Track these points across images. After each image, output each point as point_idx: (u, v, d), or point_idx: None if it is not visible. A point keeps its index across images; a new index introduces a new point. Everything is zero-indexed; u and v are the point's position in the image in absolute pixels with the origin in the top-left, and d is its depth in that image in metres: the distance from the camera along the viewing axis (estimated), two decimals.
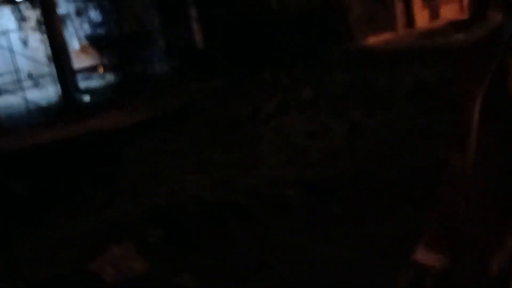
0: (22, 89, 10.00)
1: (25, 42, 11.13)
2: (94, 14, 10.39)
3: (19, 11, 10.58)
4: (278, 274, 2.68)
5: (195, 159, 5.07)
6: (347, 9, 9.10)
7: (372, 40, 10.93)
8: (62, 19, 10.29)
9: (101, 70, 11.50)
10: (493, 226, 0.74)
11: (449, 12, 13.25)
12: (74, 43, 12.49)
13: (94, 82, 11.30)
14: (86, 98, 9.98)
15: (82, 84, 11.15)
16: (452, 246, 0.87)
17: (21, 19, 10.58)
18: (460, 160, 0.81)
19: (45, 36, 9.77)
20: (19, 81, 10.24)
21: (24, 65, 10.84)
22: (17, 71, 10.03)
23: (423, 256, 0.94)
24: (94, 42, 10.52)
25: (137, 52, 8.99)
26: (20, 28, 10.99)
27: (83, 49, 12.70)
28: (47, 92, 10.40)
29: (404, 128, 5.09)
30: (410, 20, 12.29)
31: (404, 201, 3.27)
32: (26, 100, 9.36)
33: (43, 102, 9.69)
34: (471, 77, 0.79)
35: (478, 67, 0.78)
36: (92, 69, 12.29)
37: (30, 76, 11.87)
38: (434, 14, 12.97)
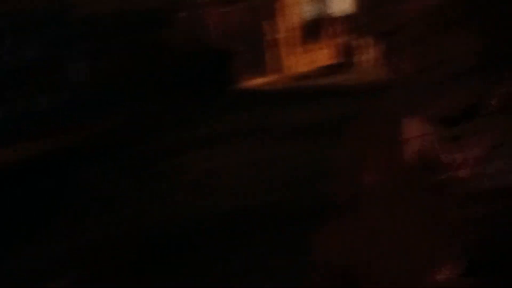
0: None
1: None
2: None
3: None
4: None
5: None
6: (236, 53, 9.76)
7: (258, 81, 11.54)
8: None
9: None
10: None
11: (323, 57, 14.53)
12: None
13: None
14: None
15: None
16: None
17: None
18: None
19: None
20: None
21: None
22: None
23: None
24: None
25: (23, 87, 8.35)
26: None
27: None
28: None
29: (299, 162, 5.37)
30: (283, 65, 13.19)
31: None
32: None
33: None
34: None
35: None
36: None
37: None
38: (305, 59, 14.10)
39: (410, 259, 0.78)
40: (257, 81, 11.99)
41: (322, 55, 14.79)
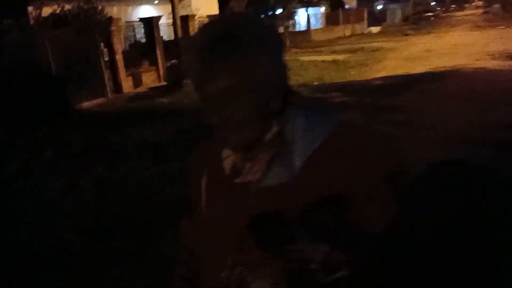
0: None
1: None
2: None
3: None
4: None
5: None
6: (73, 75, 10.03)
7: (89, 104, 11.87)
8: None
9: None
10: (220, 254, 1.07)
11: (149, 80, 15.41)
12: None
13: None
14: None
15: None
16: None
17: None
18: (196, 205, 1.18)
19: None
20: None
21: None
22: None
23: None
24: None
25: None
26: None
27: None
28: None
29: (144, 177, 6.14)
30: (117, 87, 13.75)
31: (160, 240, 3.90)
32: None
33: None
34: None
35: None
36: None
37: None
38: (137, 81, 14.83)
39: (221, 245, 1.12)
40: (96, 102, 12.36)
41: (152, 77, 15.73)
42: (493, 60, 13.14)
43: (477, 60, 13.26)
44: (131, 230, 4.41)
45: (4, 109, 7.36)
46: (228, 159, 1.09)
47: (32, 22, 12.68)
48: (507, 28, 24.33)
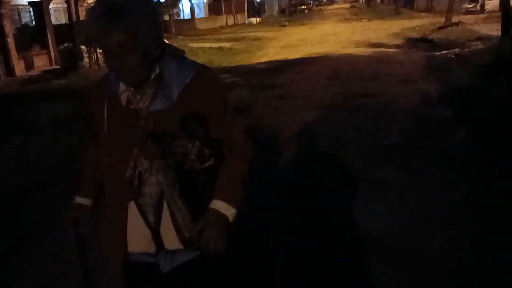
0: None
1: None
2: None
3: None
4: None
5: None
6: None
7: None
8: None
9: None
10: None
11: (40, 63, 15.41)
12: None
13: None
14: None
15: None
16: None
17: None
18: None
19: None
20: None
21: None
22: None
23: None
24: None
25: None
26: None
27: None
28: None
29: (60, 146, 6.86)
30: (10, 70, 13.66)
31: None
32: None
33: None
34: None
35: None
36: None
37: None
38: (29, 65, 14.80)
39: None
40: None
41: (44, 61, 15.71)
42: (356, 47, 15.43)
43: (343, 47, 15.46)
44: (52, 188, 4.95)
45: None
46: (123, 93, 1.50)
47: None
48: (369, 21, 27.66)
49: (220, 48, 18.45)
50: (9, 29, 13.97)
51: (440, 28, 19.61)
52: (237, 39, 22.09)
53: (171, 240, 1.52)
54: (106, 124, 1.51)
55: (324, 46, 16.25)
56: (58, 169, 5.65)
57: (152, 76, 1.46)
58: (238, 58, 15.06)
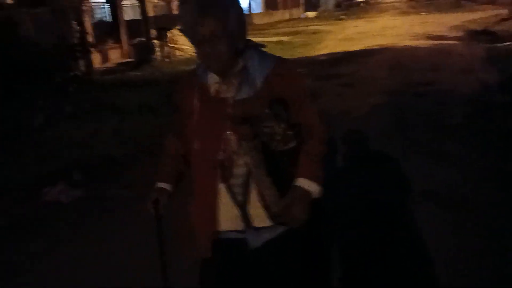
0: None
1: None
2: None
3: None
4: None
5: None
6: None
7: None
8: None
9: None
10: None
11: (114, 56, 16.62)
12: None
13: None
14: None
15: None
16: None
17: None
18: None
19: None
20: None
21: None
22: None
23: None
24: None
25: None
26: None
27: None
28: None
29: (148, 127, 7.70)
30: (88, 62, 14.87)
31: None
32: None
33: None
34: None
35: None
36: None
37: None
38: (105, 58, 16.03)
39: None
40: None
41: (117, 54, 16.93)
42: (416, 40, 15.58)
43: (402, 40, 15.66)
44: (139, 157, 5.93)
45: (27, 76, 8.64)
46: (212, 85, 1.67)
47: (7, 1, 13.46)
48: (428, 14, 27.37)
49: (280, 42, 19.00)
50: (88, 24, 15.19)
51: (503, 20, 19.27)
52: (295, 33, 22.57)
53: (258, 218, 1.66)
54: (196, 113, 1.67)
55: (383, 39, 16.50)
56: (148, 145, 6.48)
57: (237, 68, 1.63)
58: (298, 51, 15.58)
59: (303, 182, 1.63)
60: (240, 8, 1.63)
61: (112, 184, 4.93)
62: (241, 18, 1.62)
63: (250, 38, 1.71)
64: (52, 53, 9.69)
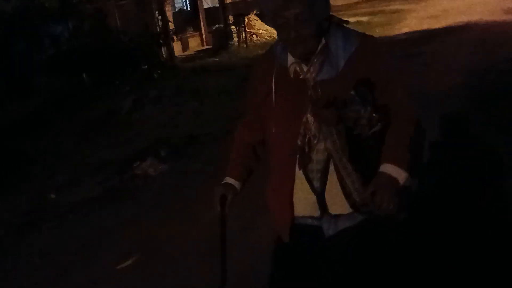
0: None
1: None
2: None
3: None
4: None
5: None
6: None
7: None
8: None
9: None
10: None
11: (193, 44, 17.24)
12: None
13: None
14: None
15: None
16: None
17: None
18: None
19: None
20: None
21: None
22: None
23: None
24: None
25: None
26: None
27: None
28: None
29: (225, 108, 8.00)
30: (170, 50, 15.60)
31: None
32: None
33: None
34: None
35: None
36: None
37: None
38: (185, 45, 16.68)
39: None
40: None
41: (196, 42, 17.55)
42: (507, 15, 14.60)
43: (491, 15, 14.72)
44: (218, 136, 6.21)
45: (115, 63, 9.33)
46: (291, 66, 1.59)
47: None
48: None
49: (358, 22, 18.57)
50: (169, 13, 15.84)
51: None
52: (374, 13, 21.95)
53: (336, 205, 1.59)
54: (274, 95, 1.59)
55: (470, 15, 15.58)
56: (224, 124, 6.74)
57: (319, 48, 1.53)
58: (377, 31, 15.19)
59: (389, 168, 1.49)
60: None
61: (194, 160, 5.25)
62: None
63: (333, 14, 1.61)
64: (138, 42, 10.27)
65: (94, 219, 4.16)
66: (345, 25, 1.62)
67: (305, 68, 1.55)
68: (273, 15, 1.50)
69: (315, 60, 1.53)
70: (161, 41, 12.19)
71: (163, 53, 13.43)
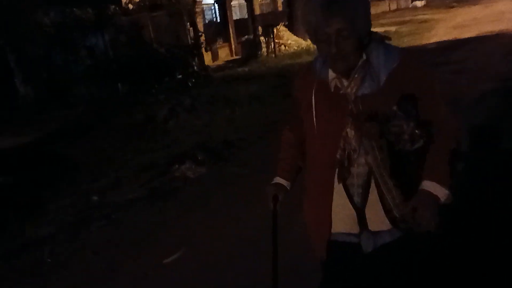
0: None
1: None
2: None
3: None
4: None
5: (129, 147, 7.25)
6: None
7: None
8: None
9: None
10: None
11: (223, 55, 17.63)
12: None
13: None
14: None
15: None
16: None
17: None
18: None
19: None
20: None
21: None
22: None
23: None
24: None
25: None
26: None
27: None
28: None
29: (255, 115, 8.24)
30: (201, 61, 16.02)
31: None
32: None
33: None
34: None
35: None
36: None
37: None
38: (215, 56, 17.07)
39: None
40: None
41: (226, 52, 17.94)
42: None
43: None
44: (250, 141, 6.45)
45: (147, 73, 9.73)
46: (332, 80, 1.58)
47: (129, 6, 14.87)
48: None
49: (385, 32, 18.57)
50: (200, 25, 16.26)
51: None
52: (402, 23, 22.02)
53: (376, 221, 1.57)
54: (314, 109, 1.59)
55: (499, 24, 15.53)
56: (257, 131, 6.98)
57: (360, 62, 1.52)
58: (405, 40, 15.27)
59: (430, 186, 1.49)
60: (368, 4, 1.54)
61: (230, 163, 5.50)
62: (368, 14, 1.52)
63: (374, 30, 1.60)
64: (173, 52, 10.64)
65: (139, 218, 4.43)
66: (386, 41, 1.61)
67: (345, 83, 1.55)
68: (314, 31, 1.49)
69: (355, 75, 1.52)
70: (194, 51, 12.55)
71: (195, 63, 13.84)
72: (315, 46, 1.57)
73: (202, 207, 4.40)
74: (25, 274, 3.67)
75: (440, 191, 1.48)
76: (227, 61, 16.90)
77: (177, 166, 5.37)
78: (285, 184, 1.84)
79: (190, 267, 3.39)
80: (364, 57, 1.52)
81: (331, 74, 1.58)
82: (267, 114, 8.13)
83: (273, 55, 15.45)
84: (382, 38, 1.59)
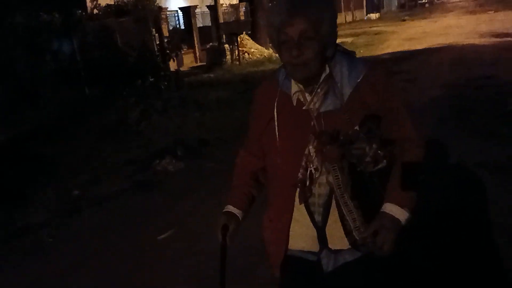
0: None
1: None
2: None
3: None
4: None
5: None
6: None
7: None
8: None
9: None
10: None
11: (188, 61, 18.01)
12: None
13: None
14: None
15: None
16: None
17: None
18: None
19: None
20: None
21: None
22: None
23: None
24: None
25: None
26: None
27: None
28: None
29: (226, 118, 8.71)
30: (166, 66, 16.33)
31: None
32: None
33: None
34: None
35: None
36: None
37: None
38: (180, 62, 17.40)
39: None
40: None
41: (190, 59, 18.31)
42: (481, 38, 15.70)
43: (466, 38, 15.83)
44: (225, 140, 6.90)
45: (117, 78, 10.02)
46: (295, 94, 1.52)
47: (93, 11, 15.00)
48: (495, 12, 26.87)
49: (342, 43, 19.45)
50: (165, 31, 16.58)
51: None
52: (357, 34, 23.06)
53: (337, 241, 1.53)
54: (276, 121, 1.53)
55: (447, 37, 16.72)
56: (228, 132, 7.43)
57: (323, 77, 1.46)
58: (361, 51, 16.13)
59: (393, 209, 1.46)
60: (335, 11, 1.47)
61: (207, 159, 5.96)
62: (334, 18, 1.45)
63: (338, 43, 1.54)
64: (144, 56, 10.95)
65: (129, 205, 4.81)
66: (351, 53, 1.56)
67: (308, 98, 1.49)
68: (277, 31, 1.43)
69: (318, 90, 1.46)
70: (163, 56, 12.92)
71: (165, 67, 14.17)
72: (277, 55, 1.57)
73: (188, 196, 4.82)
74: (28, 253, 3.98)
75: (402, 215, 1.46)
76: (192, 67, 17.30)
77: (158, 161, 5.75)
78: (237, 213, 1.71)
79: (183, 242, 3.81)
80: (328, 71, 1.47)
81: (294, 87, 1.52)
82: (236, 117, 8.60)
83: (237, 62, 15.98)
84: (346, 51, 1.54)
